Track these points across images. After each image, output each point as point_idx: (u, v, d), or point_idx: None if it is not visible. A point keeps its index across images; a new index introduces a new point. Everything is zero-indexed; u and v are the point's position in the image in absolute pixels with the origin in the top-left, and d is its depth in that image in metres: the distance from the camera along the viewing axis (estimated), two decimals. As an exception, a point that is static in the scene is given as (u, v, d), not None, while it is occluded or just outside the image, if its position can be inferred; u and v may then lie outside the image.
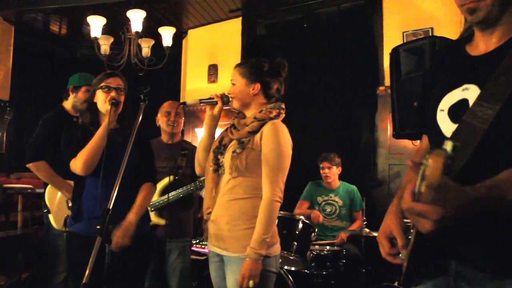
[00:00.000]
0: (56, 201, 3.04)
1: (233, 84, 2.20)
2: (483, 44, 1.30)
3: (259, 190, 2.06)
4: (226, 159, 2.12)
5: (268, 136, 2.06)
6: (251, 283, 1.96)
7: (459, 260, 1.23)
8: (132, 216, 2.30)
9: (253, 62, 2.21)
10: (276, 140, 2.06)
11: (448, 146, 0.90)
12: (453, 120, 1.28)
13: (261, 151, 2.06)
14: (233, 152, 2.09)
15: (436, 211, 0.93)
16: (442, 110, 1.32)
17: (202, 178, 2.99)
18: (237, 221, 2.06)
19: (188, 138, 6.55)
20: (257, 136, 2.08)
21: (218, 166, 2.16)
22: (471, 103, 1.21)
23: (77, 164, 2.27)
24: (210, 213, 2.16)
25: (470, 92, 1.25)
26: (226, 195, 2.11)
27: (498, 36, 1.26)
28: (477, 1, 1.21)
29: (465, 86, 1.28)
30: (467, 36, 1.38)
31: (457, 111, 1.26)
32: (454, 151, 0.89)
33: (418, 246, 1.15)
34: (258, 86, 2.16)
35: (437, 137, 1.33)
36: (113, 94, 2.34)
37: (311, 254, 3.54)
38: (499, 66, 1.17)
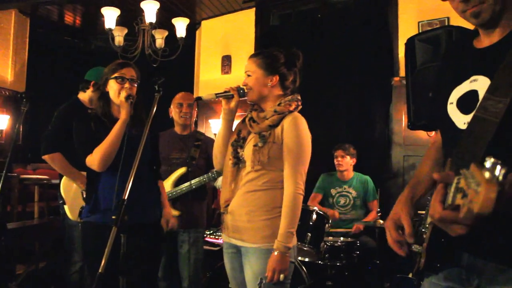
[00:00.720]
0: (72, 192, 3.07)
1: (249, 75, 2.16)
2: (487, 38, 1.31)
3: (279, 183, 2.07)
4: (247, 153, 2.11)
5: (289, 129, 2.05)
6: (281, 276, 1.97)
7: (472, 252, 1.24)
8: (167, 206, 2.70)
9: (269, 53, 2.17)
10: (297, 133, 2.06)
11: (498, 171, 0.84)
12: (463, 112, 1.29)
13: (282, 145, 2.06)
14: (255, 145, 2.07)
15: (472, 216, 0.91)
16: (451, 103, 1.33)
17: (215, 169, 2.99)
18: (256, 212, 2.06)
19: (202, 129, 6.56)
20: (278, 130, 2.08)
21: (238, 160, 2.14)
22: (480, 93, 1.22)
23: (94, 161, 2.27)
24: (227, 206, 2.15)
25: (479, 83, 1.25)
26: (245, 187, 2.10)
27: (501, 30, 1.26)
28: (479, 3, 1.21)
29: (473, 77, 1.28)
30: (475, 30, 1.38)
31: (466, 102, 1.27)
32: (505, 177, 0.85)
33: (433, 242, 1.15)
34: (276, 78, 2.14)
35: (449, 130, 1.33)
36: (127, 85, 2.33)
37: (325, 245, 3.54)
38: (505, 58, 1.17)
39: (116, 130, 2.26)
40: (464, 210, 0.88)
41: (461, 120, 1.28)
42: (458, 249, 1.25)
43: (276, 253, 1.97)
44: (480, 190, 0.82)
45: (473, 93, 1.26)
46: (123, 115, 2.27)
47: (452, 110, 1.33)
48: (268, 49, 2.23)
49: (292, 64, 2.18)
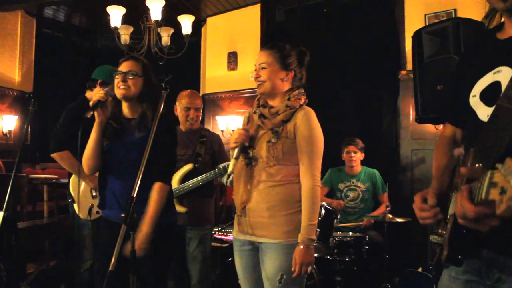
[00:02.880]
0: (81, 191, 3.08)
1: (264, 67, 2.14)
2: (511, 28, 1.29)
3: (295, 177, 2.09)
4: (259, 150, 2.12)
5: (302, 123, 2.07)
6: (309, 269, 2.01)
7: (492, 248, 1.22)
8: (144, 229, 2.11)
9: (284, 48, 2.17)
10: (310, 127, 2.08)
11: None
12: (487, 104, 1.27)
13: (295, 139, 2.08)
14: (268, 142, 2.09)
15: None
16: (474, 96, 1.32)
17: (221, 165, 2.99)
18: (277, 207, 2.07)
19: (208, 126, 6.57)
20: (290, 124, 2.09)
21: (249, 160, 2.14)
22: (503, 84, 1.20)
23: (83, 165, 2.32)
24: (244, 207, 2.15)
25: (502, 74, 1.24)
26: (262, 183, 2.10)
27: None
28: None
29: (496, 69, 1.27)
30: (498, 25, 1.37)
31: (490, 94, 1.25)
32: None
33: (455, 234, 1.14)
34: (291, 74, 2.16)
35: (472, 123, 1.32)
36: (119, 79, 2.25)
37: (334, 241, 3.54)
38: None
39: (92, 134, 2.25)
40: (503, 207, 0.86)
41: (484, 113, 1.27)
42: (478, 243, 1.23)
43: (301, 246, 2.00)
44: None
45: (496, 85, 1.25)
46: (96, 118, 2.23)
47: (475, 103, 1.31)
48: (281, 43, 2.22)
49: (302, 62, 2.21)
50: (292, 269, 1.99)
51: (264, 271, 2.10)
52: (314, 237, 2.04)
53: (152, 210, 2.17)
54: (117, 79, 2.27)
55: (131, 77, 2.27)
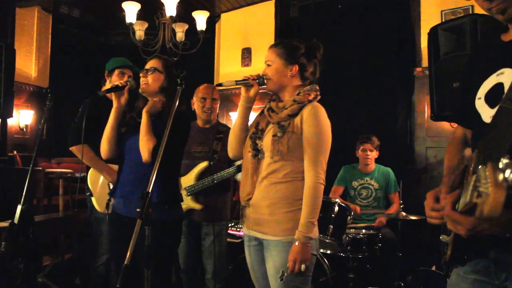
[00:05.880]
0: (99, 184, 3.11)
1: (269, 65, 2.15)
2: None
3: (299, 174, 2.06)
4: (266, 144, 2.11)
5: (309, 118, 2.05)
6: (303, 267, 1.97)
7: (499, 247, 1.23)
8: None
9: (290, 43, 2.16)
10: (317, 123, 2.05)
11: (509, 173, 0.84)
12: (491, 106, 1.28)
13: (301, 134, 2.05)
14: (274, 136, 2.07)
15: (469, 222, 1.01)
16: (479, 98, 1.33)
17: (237, 163, 3.00)
18: (278, 204, 2.06)
19: (222, 121, 6.56)
20: (297, 119, 2.07)
21: (257, 152, 2.13)
22: (506, 85, 1.21)
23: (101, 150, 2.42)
24: (250, 199, 2.15)
25: (505, 76, 1.25)
26: (266, 179, 2.09)
27: None
28: (503, 0, 1.22)
29: (500, 71, 1.28)
30: (505, 26, 1.37)
31: (493, 96, 1.26)
32: None
33: (458, 234, 1.14)
34: (296, 68, 2.13)
35: (477, 125, 1.33)
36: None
37: (347, 238, 3.52)
38: None
39: (109, 119, 2.38)
40: (478, 210, 0.88)
41: (488, 114, 1.27)
42: (484, 243, 1.24)
43: (297, 243, 1.97)
44: (490, 192, 0.83)
45: (499, 86, 1.25)
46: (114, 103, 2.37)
47: (480, 106, 1.32)
48: (289, 39, 2.22)
49: (312, 55, 2.17)
50: (287, 265, 1.98)
51: (268, 267, 2.11)
52: (312, 235, 2.00)
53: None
54: (141, 76, 2.41)
55: (151, 73, 2.39)
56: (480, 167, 0.88)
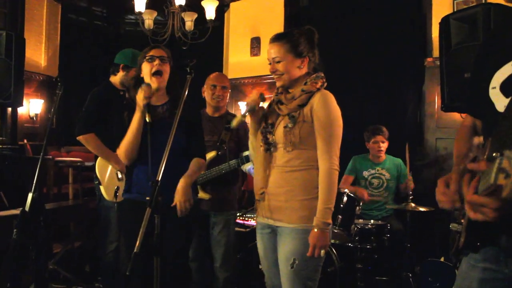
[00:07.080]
0: (107, 173, 3.13)
1: (278, 61, 2.15)
2: None
3: (314, 162, 2.09)
4: (278, 136, 2.13)
5: (319, 106, 2.06)
6: (322, 252, 2.01)
7: (510, 235, 1.23)
8: (182, 181, 2.28)
9: (292, 36, 2.16)
10: (328, 110, 2.07)
11: None
12: (506, 95, 1.27)
13: (313, 123, 2.07)
14: (285, 127, 2.09)
15: (496, 203, 0.98)
16: (494, 88, 1.32)
17: (244, 154, 3.00)
18: (294, 191, 2.09)
19: (231, 111, 6.56)
20: (307, 108, 2.08)
21: (269, 145, 2.16)
22: None
23: (120, 155, 2.36)
24: (263, 193, 2.17)
25: None
26: (281, 168, 2.12)
27: None
28: None
29: None
30: None
31: (509, 85, 1.25)
32: None
33: (473, 221, 1.14)
34: (306, 60, 2.15)
35: (490, 114, 1.32)
36: (156, 62, 2.34)
37: (356, 228, 3.53)
38: None
39: (133, 125, 2.29)
40: (507, 190, 0.89)
41: (502, 104, 1.26)
42: (496, 230, 1.24)
43: (316, 229, 2.00)
44: None
45: None
46: (139, 101, 2.28)
47: (495, 95, 1.31)
48: (287, 31, 2.24)
49: (312, 43, 2.19)
50: (299, 254, 2.01)
51: (279, 254, 2.13)
52: (330, 221, 2.03)
53: (189, 172, 2.35)
54: (154, 62, 2.36)
55: (166, 63, 2.39)
56: (506, 151, 0.91)
